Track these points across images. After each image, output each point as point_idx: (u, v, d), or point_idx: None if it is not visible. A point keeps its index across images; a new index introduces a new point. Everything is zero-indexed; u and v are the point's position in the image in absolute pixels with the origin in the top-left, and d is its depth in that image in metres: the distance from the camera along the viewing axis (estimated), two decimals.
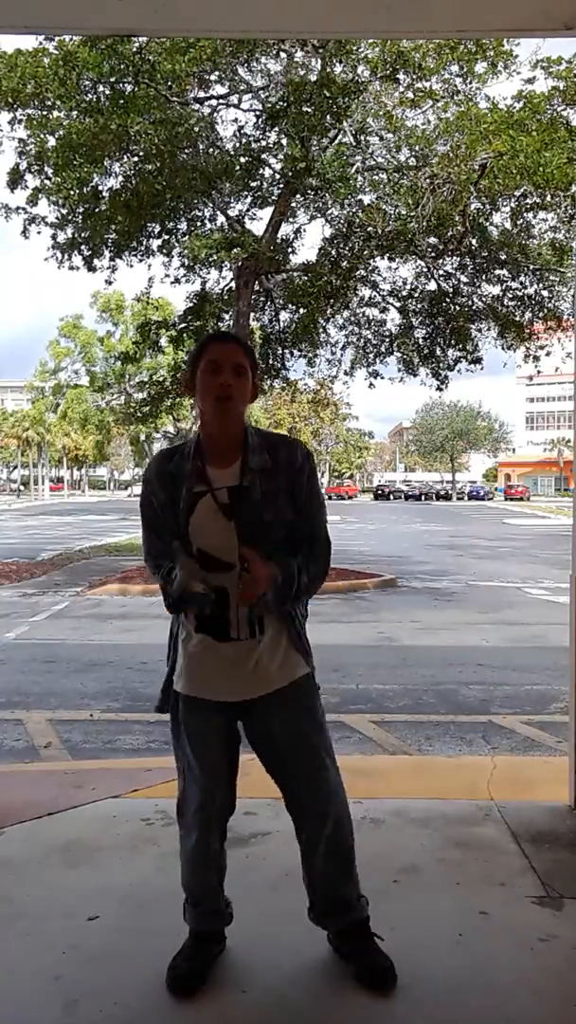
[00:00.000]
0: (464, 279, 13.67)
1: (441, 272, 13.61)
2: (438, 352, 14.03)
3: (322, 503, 2.32)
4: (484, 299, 13.78)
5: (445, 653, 7.86)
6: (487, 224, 12.64)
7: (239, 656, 2.24)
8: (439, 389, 14.68)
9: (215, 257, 12.27)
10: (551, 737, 5.08)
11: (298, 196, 12.88)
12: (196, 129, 11.70)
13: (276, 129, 11.93)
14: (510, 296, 13.57)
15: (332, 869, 2.37)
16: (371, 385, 14.78)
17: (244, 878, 2.87)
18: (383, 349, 14.35)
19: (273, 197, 12.96)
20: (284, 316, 14.68)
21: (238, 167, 12.11)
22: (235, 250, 12.05)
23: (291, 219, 13.58)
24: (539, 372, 14.95)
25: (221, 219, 13.38)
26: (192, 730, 2.33)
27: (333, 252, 12.68)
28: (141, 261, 13.79)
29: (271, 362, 14.74)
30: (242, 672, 2.25)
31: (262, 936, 2.56)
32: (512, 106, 11.47)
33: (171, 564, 2.21)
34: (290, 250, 13.57)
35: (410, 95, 11.65)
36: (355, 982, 2.30)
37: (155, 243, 13.52)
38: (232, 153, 12.21)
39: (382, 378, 14.67)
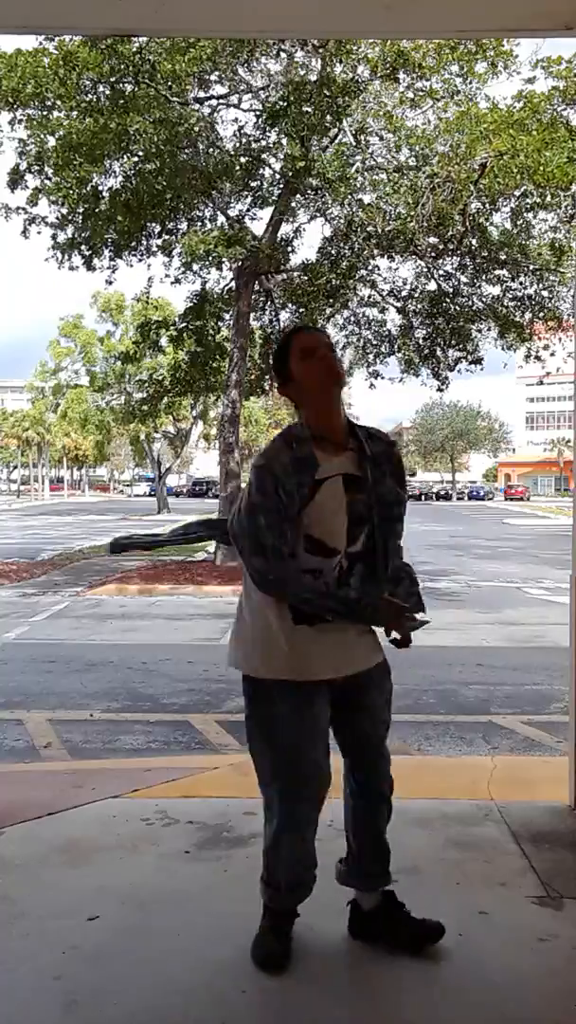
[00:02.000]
0: (464, 279, 13.67)
1: (441, 272, 13.61)
2: (438, 352, 14.03)
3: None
4: (484, 299, 13.78)
5: (445, 653, 7.85)
6: (487, 224, 12.64)
7: (334, 632, 2.26)
8: (440, 390, 14.69)
9: (214, 254, 12.26)
10: (551, 737, 5.08)
11: (298, 196, 12.88)
12: (196, 129, 11.71)
13: (276, 129, 11.93)
14: (510, 296, 13.58)
15: (381, 831, 2.50)
16: (371, 385, 14.79)
17: (244, 878, 2.86)
18: (383, 349, 14.36)
19: (273, 197, 12.97)
20: (284, 316, 14.69)
21: (238, 167, 12.12)
22: (234, 248, 12.05)
23: (291, 219, 13.59)
24: (547, 374, 14.95)
25: (221, 219, 13.38)
26: (292, 717, 2.27)
27: (333, 252, 12.69)
28: (141, 261, 13.83)
29: (271, 362, 14.73)
30: (340, 647, 2.28)
31: None
32: (512, 106, 11.48)
33: (326, 587, 2.22)
34: (290, 250, 13.58)
35: (410, 95, 11.67)
36: (404, 951, 2.41)
37: (155, 243, 13.53)
38: (232, 153, 12.21)
39: (382, 378, 14.68)
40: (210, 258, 12.68)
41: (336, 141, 12.02)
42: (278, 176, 12.66)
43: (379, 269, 13.73)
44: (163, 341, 16.47)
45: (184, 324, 14.67)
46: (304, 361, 2.27)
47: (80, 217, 12.73)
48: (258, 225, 13.43)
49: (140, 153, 11.98)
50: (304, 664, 2.26)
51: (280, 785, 2.34)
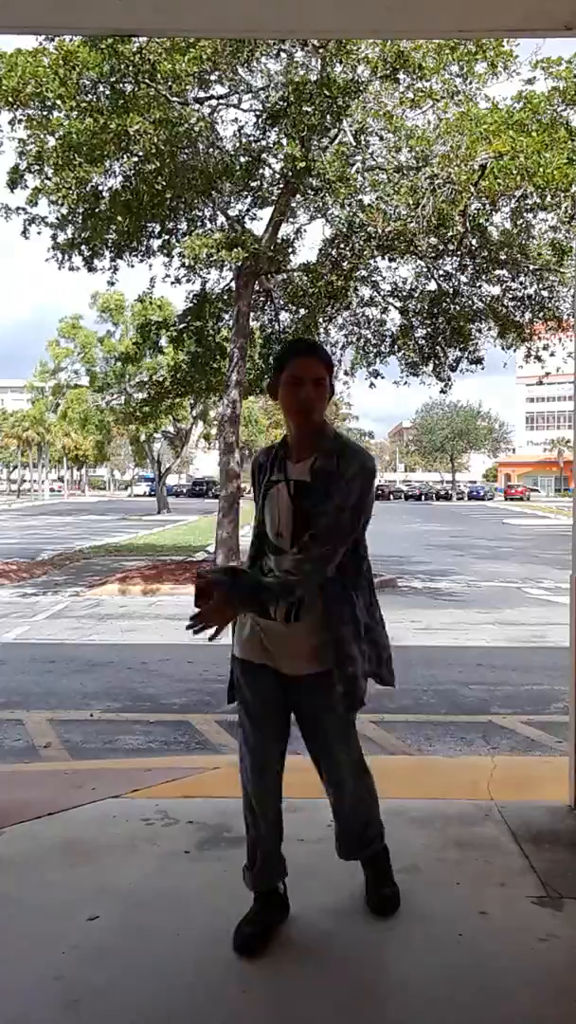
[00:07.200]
0: (464, 279, 13.65)
1: (441, 272, 13.59)
2: (439, 352, 14.01)
3: (344, 509, 2.38)
4: (484, 299, 13.76)
5: (445, 653, 7.86)
6: (487, 224, 12.61)
7: (277, 634, 2.49)
8: (443, 391, 14.65)
9: (215, 257, 12.25)
10: (551, 737, 5.08)
11: (298, 196, 12.86)
12: (196, 129, 11.68)
13: (276, 129, 11.91)
14: (510, 296, 13.56)
15: (353, 817, 2.68)
16: (372, 385, 14.77)
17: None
18: (383, 349, 14.33)
19: (273, 197, 12.94)
20: (284, 316, 14.68)
21: (238, 167, 12.10)
22: (235, 250, 12.04)
23: (291, 219, 13.56)
24: (547, 374, 14.91)
25: (221, 219, 13.37)
26: (245, 690, 2.56)
27: (333, 252, 12.67)
28: (142, 261, 13.78)
29: (271, 362, 14.71)
30: (278, 647, 2.50)
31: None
32: (512, 107, 11.45)
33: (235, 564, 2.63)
34: (290, 250, 13.56)
35: (410, 95, 11.64)
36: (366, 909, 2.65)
37: (155, 243, 13.51)
38: (232, 153, 12.20)
39: (383, 378, 14.64)
40: (211, 260, 12.66)
41: (336, 141, 11.99)
42: (278, 176, 12.65)
43: (379, 270, 13.72)
44: (163, 342, 16.45)
45: (184, 324, 14.66)
46: (288, 387, 2.45)
47: (80, 217, 12.69)
48: (258, 225, 13.43)
49: (140, 153, 11.95)
50: (247, 648, 2.55)
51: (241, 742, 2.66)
